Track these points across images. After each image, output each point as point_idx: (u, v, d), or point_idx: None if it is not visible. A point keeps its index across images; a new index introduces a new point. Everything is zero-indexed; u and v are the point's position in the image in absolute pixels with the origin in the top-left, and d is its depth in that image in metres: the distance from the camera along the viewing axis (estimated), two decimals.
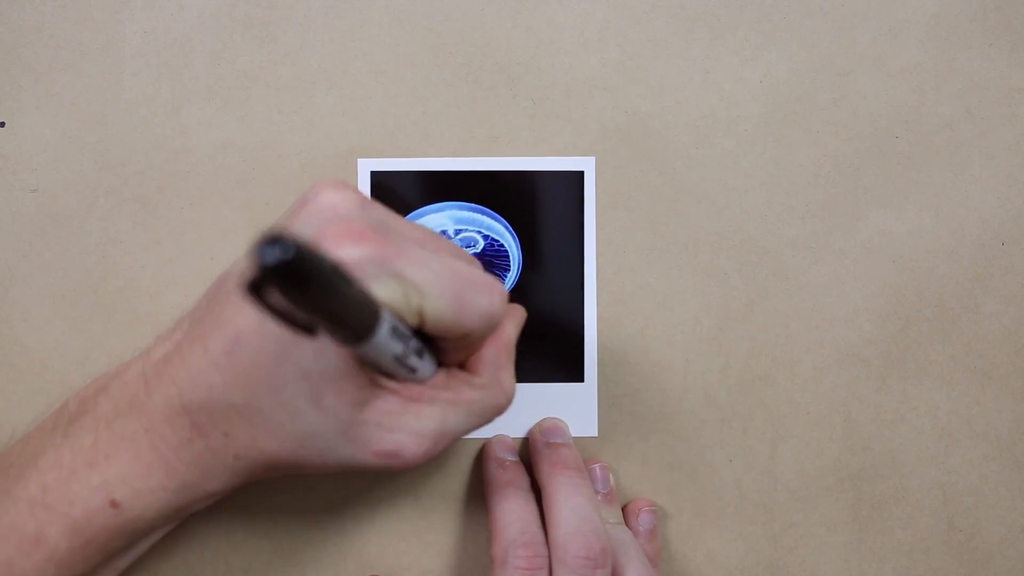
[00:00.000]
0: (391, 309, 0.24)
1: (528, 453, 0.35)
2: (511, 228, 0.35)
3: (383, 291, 0.24)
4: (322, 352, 0.24)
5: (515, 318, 0.30)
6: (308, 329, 0.20)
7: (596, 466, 0.34)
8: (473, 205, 0.35)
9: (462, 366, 0.29)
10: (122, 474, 0.26)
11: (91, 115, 0.35)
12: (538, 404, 0.35)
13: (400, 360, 0.25)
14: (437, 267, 0.25)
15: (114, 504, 0.26)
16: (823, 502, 0.35)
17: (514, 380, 0.29)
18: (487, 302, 0.26)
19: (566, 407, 0.35)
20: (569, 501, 0.31)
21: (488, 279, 0.26)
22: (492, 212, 0.35)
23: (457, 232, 0.35)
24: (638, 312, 0.35)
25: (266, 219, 0.35)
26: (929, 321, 0.36)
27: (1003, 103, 0.36)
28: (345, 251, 0.23)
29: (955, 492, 0.36)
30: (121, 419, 0.26)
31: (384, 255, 0.24)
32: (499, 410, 0.28)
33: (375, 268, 0.23)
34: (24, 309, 0.34)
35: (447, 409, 0.27)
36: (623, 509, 0.35)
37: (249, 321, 0.24)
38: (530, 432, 0.35)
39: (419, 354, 0.26)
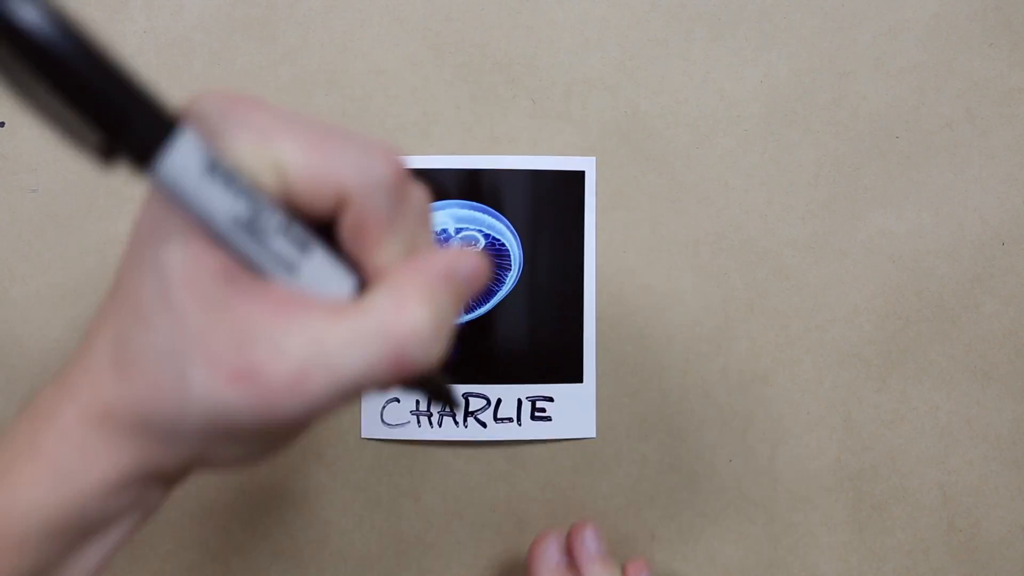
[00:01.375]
0: (237, 164, 0.20)
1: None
2: (512, 227, 0.35)
3: (231, 143, 0.20)
4: (170, 236, 0.21)
5: (464, 257, 0.23)
6: (89, 142, 0.18)
7: (588, 530, 0.33)
8: (475, 203, 0.35)
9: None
10: None
11: None
12: (537, 403, 0.35)
13: (251, 227, 0.21)
14: (299, 120, 0.21)
15: None
16: (823, 502, 0.35)
17: (430, 312, 0.21)
18: (359, 152, 0.21)
19: (565, 407, 0.35)
20: None
21: (377, 140, 0.22)
22: (493, 211, 0.35)
23: (458, 231, 0.35)
24: (638, 312, 0.35)
25: None
26: (929, 321, 0.36)
27: (1003, 103, 0.36)
28: (200, 101, 0.21)
29: (955, 492, 0.36)
30: (12, 426, 0.24)
31: (237, 107, 0.21)
32: (396, 341, 0.21)
33: (219, 117, 0.20)
34: (24, 309, 0.34)
35: (324, 324, 0.21)
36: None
37: (129, 253, 0.22)
38: (569, 537, 0.34)
39: (301, 247, 0.21)
